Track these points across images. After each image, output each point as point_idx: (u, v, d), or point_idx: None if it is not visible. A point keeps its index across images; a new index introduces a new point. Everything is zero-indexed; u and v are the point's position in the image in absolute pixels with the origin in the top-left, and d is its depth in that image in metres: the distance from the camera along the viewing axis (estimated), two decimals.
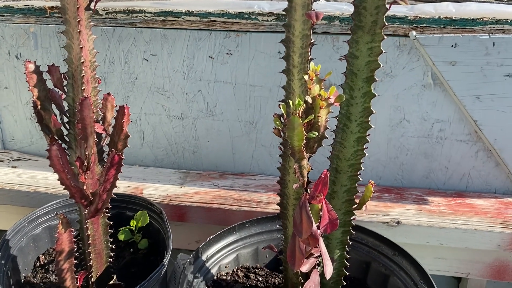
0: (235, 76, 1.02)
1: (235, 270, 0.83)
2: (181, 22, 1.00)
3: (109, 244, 0.77)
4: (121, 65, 1.05)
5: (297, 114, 0.52)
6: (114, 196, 0.69)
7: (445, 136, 1.01)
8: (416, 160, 1.04)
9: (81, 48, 0.63)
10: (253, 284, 0.80)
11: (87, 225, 0.72)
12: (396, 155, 1.03)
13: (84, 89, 0.64)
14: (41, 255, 0.86)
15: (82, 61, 0.63)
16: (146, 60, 1.04)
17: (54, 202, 0.87)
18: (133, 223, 0.84)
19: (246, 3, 1.01)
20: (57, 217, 0.70)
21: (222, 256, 0.82)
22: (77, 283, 0.74)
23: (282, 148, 0.64)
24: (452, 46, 0.92)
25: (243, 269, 0.84)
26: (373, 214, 0.92)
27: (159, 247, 0.86)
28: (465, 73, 0.94)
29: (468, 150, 1.01)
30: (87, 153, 0.65)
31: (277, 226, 0.87)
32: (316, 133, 0.53)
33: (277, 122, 0.54)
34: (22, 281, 0.81)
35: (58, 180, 0.64)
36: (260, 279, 0.82)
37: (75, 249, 0.71)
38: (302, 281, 0.68)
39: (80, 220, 0.74)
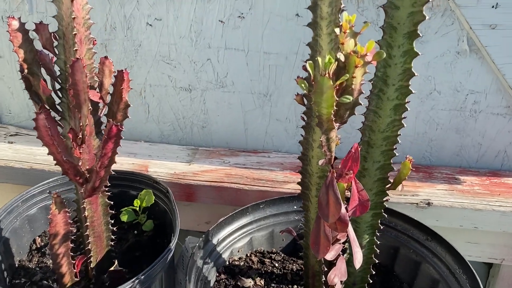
0: (248, 42, 0.93)
1: (248, 255, 0.76)
2: None
3: (110, 226, 0.70)
4: (123, 31, 0.96)
5: (327, 75, 0.42)
6: (114, 173, 0.61)
7: (479, 109, 0.91)
8: (447, 136, 0.94)
9: (72, 1, 0.54)
10: (269, 271, 0.73)
11: (84, 205, 0.64)
12: (424, 130, 0.94)
13: (76, 49, 0.56)
14: (37, 237, 0.79)
15: (73, 16, 0.55)
16: (150, 25, 0.94)
17: (51, 180, 0.80)
18: (137, 203, 0.77)
19: None
20: (50, 196, 0.63)
21: (234, 239, 0.74)
22: (74, 268, 0.67)
23: (305, 118, 0.55)
24: (493, 6, 0.81)
25: (257, 254, 0.76)
26: (401, 194, 0.84)
27: (165, 229, 0.79)
28: (506, 38, 0.83)
29: (506, 125, 0.91)
30: (81, 124, 0.57)
31: (295, 207, 0.79)
32: (350, 98, 0.44)
33: (303, 85, 0.45)
34: (17, 265, 0.74)
35: (48, 154, 0.56)
36: (277, 265, 0.74)
37: (72, 231, 0.64)
38: (326, 269, 0.60)
39: (77, 200, 0.67)
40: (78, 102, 0.55)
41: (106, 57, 0.61)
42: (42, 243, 0.78)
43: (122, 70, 0.59)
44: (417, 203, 0.82)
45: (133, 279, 0.59)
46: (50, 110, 0.61)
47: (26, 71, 0.57)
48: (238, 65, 0.95)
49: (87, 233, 0.66)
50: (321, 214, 0.49)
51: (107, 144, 0.56)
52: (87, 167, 0.60)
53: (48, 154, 0.56)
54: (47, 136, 0.53)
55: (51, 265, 0.75)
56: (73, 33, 0.55)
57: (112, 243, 0.71)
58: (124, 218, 0.77)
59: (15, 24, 0.56)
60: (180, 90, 1.00)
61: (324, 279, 0.61)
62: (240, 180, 0.89)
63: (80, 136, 0.57)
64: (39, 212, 0.79)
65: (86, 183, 0.60)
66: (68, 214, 0.62)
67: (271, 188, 0.87)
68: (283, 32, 0.91)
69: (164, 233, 0.79)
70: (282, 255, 0.77)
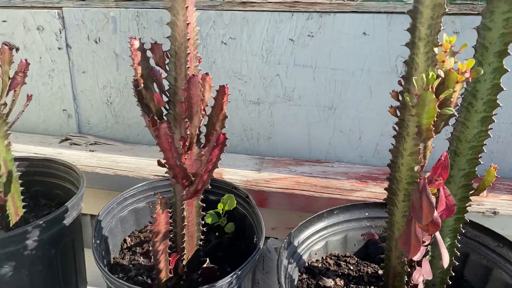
0: (316, 59, 0.99)
1: (324, 258, 0.81)
2: (262, 4, 0.98)
3: (201, 227, 0.76)
4: (199, 49, 1.04)
5: (430, 89, 0.48)
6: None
7: None
8: (508, 148, 0.97)
9: (187, 24, 0.61)
10: (345, 273, 0.77)
11: (184, 207, 0.71)
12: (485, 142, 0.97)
13: (188, 67, 0.63)
14: (127, 237, 0.86)
15: (187, 38, 0.62)
16: (224, 43, 1.02)
17: (140, 184, 0.87)
18: (220, 206, 0.83)
19: None
20: (156, 197, 0.70)
21: (312, 242, 0.79)
22: (169, 265, 0.74)
23: (397, 128, 0.60)
24: None
25: (332, 257, 0.81)
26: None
27: (245, 232, 0.85)
28: None
29: None
30: (189, 133, 0.64)
31: (366, 214, 0.84)
32: (452, 110, 0.49)
33: (408, 98, 0.50)
34: (112, 262, 0.81)
35: (163, 159, 0.63)
36: (352, 267, 0.79)
37: (171, 230, 0.71)
38: (409, 270, 0.65)
39: (174, 202, 0.73)
40: (190, 113, 0.62)
41: (207, 74, 0.67)
42: (132, 243, 0.86)
43: (224, 85, 0.66)
44: (483, 212, 0.86)
45: (231, 274, 0.65)
46: (158, 120, 0.68)
47: (142, 85, 0.65)
48: (305, 80, 1.01)
49: (183, 232, 0.72)
50: (414, 216, 0.54)
51: (214, 151, 0.63)
52: (193, 171, 0.66)
53: (163, 159, 0.62)
54: (166, 143, 0.60)
55: (142, 262, 0.81)
56: (187, 52, 0.62)
57: (201, 242, 0.78)
58: (208, 220, 0.83)
59: (136, 44, 0.64)
60: (249, 104, 1.06)
61: (406, 279, 0.65)
62: (310, 187, 0.94)
63: (188, 143, 0.64)
64: (129, 214, 0.86)
65: (189, 186, 0.67)
66: (169, 215, 0.69)
67: (340, 196, 0.92)
68: (350, 49, 0.97)
69: (243, 236, 0.85)
70: (356, 258, 0.81)
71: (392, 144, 0.62)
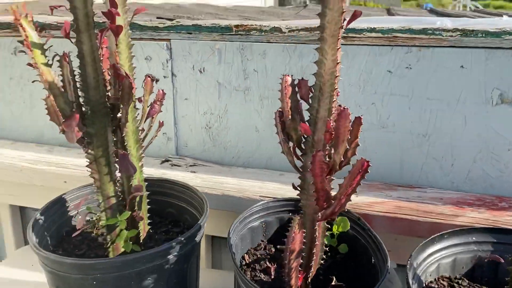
0: (412, 89, 1.05)
1: (437, 279, 0.85)
2: (362, 38, 1.05)
3: (324, 246, 0.82)
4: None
5: None
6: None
7: None
8: None
9: (337, 63, 0.68)
10: None
11: (315, 227, 0.77)
12: None
13: (334, 101, 0.70)
14: (245, 254, 0.92)
15: (336, 75, 0.69)
16: None
17: (256, 205, 0.94)
18: (334, 228, 0.89)
19: (427, 19, 1.04)
20: (292, 218, 0.76)
21: (427, 264, 0.84)
22: (298, 282, 0.79)
23: None
24: None
25: (444, 279, 0.85)
26: None
27: (356, 253, 0.90)
28: None
29: None
30: (333, 160, 0.70)
31: (473, 238, 0.88)
32: None
33: None
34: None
35: (312, 183, 0.69)
36: None
37: (303, 249, 0.76)
38: None
39: (303, 223, 0.79)
40: (337, 142, 0.69)
41: (342, 107, 0.74)
42: (250, 260, 0.92)
43: (359, 117, 0.72)
44: None
45: None
46: (297, 148, 0.75)
47: (289, 117, 0.72)
48: (400, 108, 1.07)
49: (313, 251, 0.78)
50: None
51: (356, 177, 0.69)
52: (332, 195, 0.73)
53: (312, 183, 0.69)
54: (319, 169, 0.66)
55: (263, 279, 0.87)
56: (334, 87, 0.69)
57: (322, 261, 0.83)
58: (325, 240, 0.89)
59: (289, 79, 0.71)
60: None
61: None
62: (411, 212, 0.99)
63: (330, 169, 0.71)
64: (247, 233, 0.92)
65: (327, 209, 0.73)
66: (303, 234, 0.75)
67: (444, 221, 0.96)
68: (447, 81, 1.02)
69: (354, 257, 0.90)
70: (467, 281, 0.85)
71: None
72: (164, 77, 1.20)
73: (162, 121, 0.91)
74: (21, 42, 0.75)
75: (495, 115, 1.02)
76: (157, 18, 1.29)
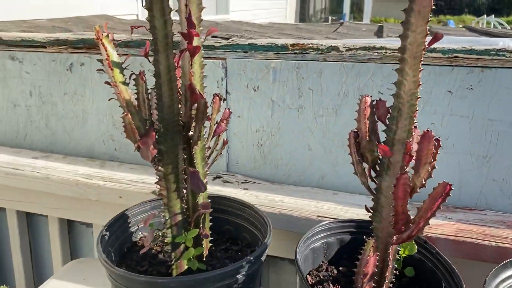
0: (473, 110, 1.04)
1: None
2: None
3: (394, 270, 0.80)
4: (355, 98, 1.11)
5: None
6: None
7: None
8: None
9: (418, 85, 0.68)
10: None
11: (389, 251, 0.75)
12: None
13: (415, 122, 0.69)
14: (307, 275, 0.91)
15: (417, 96, 0.68)
16: (381, 93, 1.09)
17: (318, 226, 0.93)
18: (401, 251, 0.87)
19: (489, 40, 1.03)
20: (366, 240, 0.75)
21: None
22: None
23: None
24: None
25: None
26: None
27: (423, 277, 0.88)
28: None
29: None
30: (413, 183, 0.69)
31: None
32: None
33: None
34: None
35: (392, 206, 0.68)
36: None
37: (376, 272, 0.75)
38: None
39: (377, 246, 0.78)
40: (418, 165, 0.68)
41: (426, 130, 0.73)
42: (313, 281, 0.90)
43: (438, 139, 0.71)
44: None
45: None
46: (372, 169, 0.75)
47: (367, 138, 0.72)
48: (460, 129, 1.06)
49: (386, 275, 0.77)
50: None
51: (437, 201, 0.68)
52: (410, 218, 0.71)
53: (392, 205, 0.68)
54: (402, 192, 0.65)
55: None
56: (414, 108, 0.69)
57: (391, 285, 0.81)
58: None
59: (368, 100, 0.71)
60: None
61: None
62: (474, 235, 0.96)
63: (410, 191, 0.70)
64: (310, 253, 0.91)
65: (404, 232, 0.72)
66: (377, 258, 0.74)
67: (509, 245, 0.93)
68: (509, 102, 1.01)
69: (421, 281, 0.88)
70: None
71: None
72: (223, 100, 1.21)
73: (226, 139, 0.91)
74: (100, 60, 0.76)
75: None
76: (212, 37, 1.30)
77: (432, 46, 1.03)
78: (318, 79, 1.13)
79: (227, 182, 1.22)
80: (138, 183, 1.19)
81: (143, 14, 3.84)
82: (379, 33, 2.04)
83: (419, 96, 0.69)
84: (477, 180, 1.08)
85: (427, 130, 0.67)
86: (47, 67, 1.35)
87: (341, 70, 1.10)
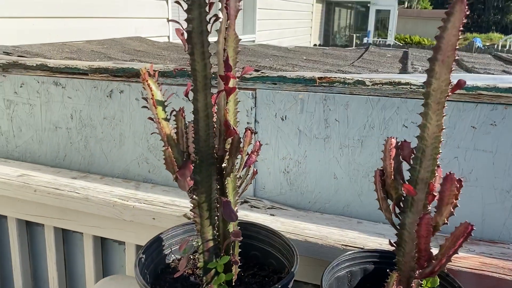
0: (497, 145, 1.06)
1: None
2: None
3: None
4: (380, 130, 1.15)
5: None
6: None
7: None
8: None
9: (441, 129, 0.72)
10: None
11: (413, 285, 0.79)
12: None
13: (438, 164, 0.73)
14: None
15: (440, 140, 0.73)
16: (406, 127, 1.12)
17: (343, 255, 0.97)
18: (424, 283, 0.90)
19: (510, 78, 1.06)
20: (390, 274, 0.79)
21: None
22: None
23: None
24: None
25: None
26: None
27: None
28: None
29: None
30: (436, 222, 0.73)
31: None
32: None
33: None
34: None
35: (415, 243, 0.72)
36: None
37: None
38: None
39: (400, 279, 0.82)
40: (441, 205, 0.72)
41: (449, 172, 0.77)
42: None
43: (460, 179, 0.75)
44: None
45: None
46: (396, 205, 0.79)
47: (391, 177, 0.76)
48: (483, 164, 1.08)
49: None
50: None
51: (459, 239, 0.71)
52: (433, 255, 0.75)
53: (416, 243, 0.72)
54: (425, 231, 0.69)
55: None
56: (437, 151, 0.73)
57: None
58: None
59: (394, 142, 0.76)
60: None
61: None
62: (497, 269, 0.98)
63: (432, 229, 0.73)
64: (334, 281, 0.95)
65: (426, 268, 0.75)
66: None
67: None
68: None
69: None
70: None
71: None
72: (248, 123, 1.27)
73: (256, 170, 0.97)
74: (145, 98, 0.83)
75: None
76: (243, 68, 1.37)
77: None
78: (345, 111, 1.17)
79: (254, 207, 1.27)
80: (171, 205, 1.26)
81: (174, 37, 3.98)
82: (403, 60, 2.08)
83: (441, 140, 0.73)
84: (500, 213, 1.10)
85: (450, 172, 0.70)
86: (88, 93, 1.44)
87: (367, 103, 1.15)
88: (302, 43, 8.42)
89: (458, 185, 0.73)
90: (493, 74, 1.60)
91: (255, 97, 1.25)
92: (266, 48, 2.62)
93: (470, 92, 1.06)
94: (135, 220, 1.26)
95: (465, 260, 1.02)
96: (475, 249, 1.07)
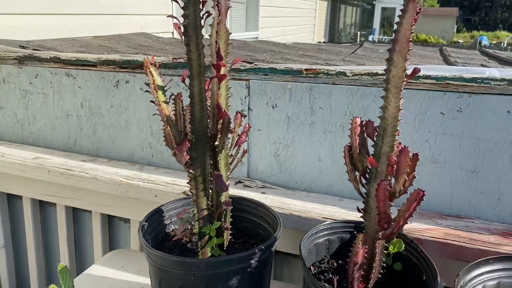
0: (462, 130, 1.19)
1: None
2: (418, 84, 1.20)
3: (381, 263, 0.96)
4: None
5: None
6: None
7: None
8: None
9: (399, 110, 0.85)
10: None
11: (376, 245, 0.91)
12: None
13: (396, 140, 0.86)
14: (311, 266, 1.08)
15: (398, 119, 0.85)
16: None
17: (321, 224, 1.09)
18: (390, 248, 1.02)
19: (477, 69, 1.18)
20: (356, 235, 0.91)
21: (473, 284, 0.95)
22: None
23: None
24: None
25: None
26: None
27: (409, 271, 1.03)
28: None
29: None
30: (393, 189, 0.86)
31: None
32: None
33: None
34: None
35: (375, 207, 0.85)
36: None
37: (364, 263, 0.91)
38: None
39: (366, 240, 0.94)
40: (397, 175, 0.84)
41: (403, 145, 0.89)
42: (315, 271, 1.07)
43: (417, 154, 0.87)
44: None
45: None
46: (362, 175, 0.91)
47: (357, 151, 0.89)
48: (451, 147, 1.21)
49: (374, 265, 0.93)
50: None
51: (413, 204, 0.84)
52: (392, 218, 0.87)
53: (376, 207, 0.84)
54: (383, 195, 0.82)
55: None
56: (396, 129, 0.85)
57: (379, 275, 0.97)
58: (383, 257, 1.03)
59: (358, 120, 0.88)
60: None
61: None
62: (459, 238, 1.11)
63: (390, 196, 0.86)
64: (313, 247, 1.08)
65: (387, 229, 0.88)
66: (366, 250, 0.90)
67: (489, 248, 1.07)
68: (494, 124, 1.15)
69: (408, 274, 1.03)
70: None
71: None
72: (242, 110, 1.39)
73: (246, 149, 1.10)
74: (147, 84, 0.97)
75: None
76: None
77: (427, 74, 1.20)
78: (328, 99, 1.30)
79: (247, 186, 1.40)
80: (172, 185, 1.39)
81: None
82: None
83: (399, 119, 0.86)
84: (466, 192, 1.22)
85: (404, 146, 0.83)
86: (97, 83, 1.57)
87: (347, 92, 1.27)
88: (305, 40, 8.53)
89: (412, 158, 0.86)
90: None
91: (249, 87, 1.38)
92: (266, 44, 2.74)
93: (439, 82, 1.18)
94: (139, 198, 1.40)
95: (431, 231, 1.14)
96: (442, 223, 1.19)
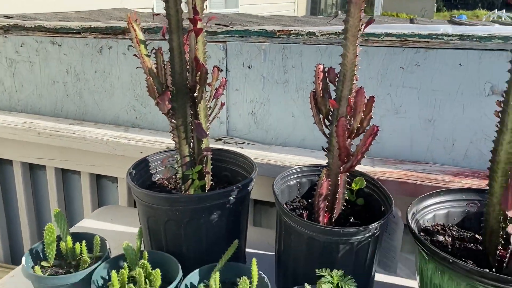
0: (420, 83, 1.31)
1: (433, 225, 1.10)
2: (380, 41, 1.31)
3: (344, 196, 1.08)
4: None
5: None
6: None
7: None
8: None
9: (356, 56, 0.96)
10: (450, 234, 1.06)
11: (338, 178, 1.04)
12: None
13: (354, 83, 0.97)
14: (284, 204, 1.20)
15: (355, 64, 0.96)
16: None
17: (293, 168, 1.21)
18: (353, 185, 1.15)
19: (433, 27, 1.29)
20: (321, 170, 1.03)
21: (425, 213, 1.09)
22: (324, 219, 1.06)
23: (498, 126, 0.90)
24: None
25: (439, 225, 1.10)
26: None
27: (370, 205, 1.16)
28: None
29: None
30: (352, 126, 0.97)
31: (463, 197, 1.12)
32: None
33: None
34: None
35: (336, 142, 0.96)
36: (454, 232, 1.08)
37: (329, 194, 1.03)
38: (503, 225, 0.93)
39: (329, 174, 1.06)
40: (355, 113, 0.95)
41: (359, 87, 1.01)
42: (288, 208, 1.19)
43: (373, 96, 0.99)
44: None
45: (378, 222, 0.96)
46: (325, 118, 1.03)
47: (320, 95, 1.00)
48: (410, 98, 1.33)
49: (336, 197, 1.05)
50: None
51: (368, 139, 0.95)
52: (350, 152, 0.99)
53: (336, 141, 0.96)
54: (342, 131, 0.93)
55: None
56: (354, 74, 0.96)
57: (343, 208, 1.10)
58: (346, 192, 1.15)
59: (321, 67, 0.99)
60: None
61: (501, 233, 0.93)
62: (416, 178, 1.24)
63: (350, 133, 0.97)
64: (286, 188, 1.20)
65: (346, 163, 1.00)
66: (329, 183, 1.02)
67: (442, 184, 1.21)
68: (448, 76, 1.28)
69: (369, 208, 1.16)
70: (457, 228, 1.10)
71: (494, 137, 0.92)
72: (220, 71, 1.49)
73: (224, 102, 1.20)
74: (130, 39, 1.05)
75: (488, 104, 1.26)
76: (215, 24, 1.59)
77: (388, 31, 1.31)
78: (299, 58, 1.40)
79: (227, 143, 1.51)
80: (156, 142, 1.49)
81: (157, 8, 4.15)
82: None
83: (356, 64, 0.97)
84: (424, 139, 1.35)
85: (360, 87, 0.94)
86: (81, 50, 1.65)
87: (317, 51, 1.38)
88: None
89: (369, 100, 0.97)
90: None
91: (226, 48, 1.47)
92: (244, 16, 2.82)
93: (399, 39, 1.30)
94: (126, 155, 1.49)
95: (392, 173, 1.27)
96: (402, 167, 1.32)
